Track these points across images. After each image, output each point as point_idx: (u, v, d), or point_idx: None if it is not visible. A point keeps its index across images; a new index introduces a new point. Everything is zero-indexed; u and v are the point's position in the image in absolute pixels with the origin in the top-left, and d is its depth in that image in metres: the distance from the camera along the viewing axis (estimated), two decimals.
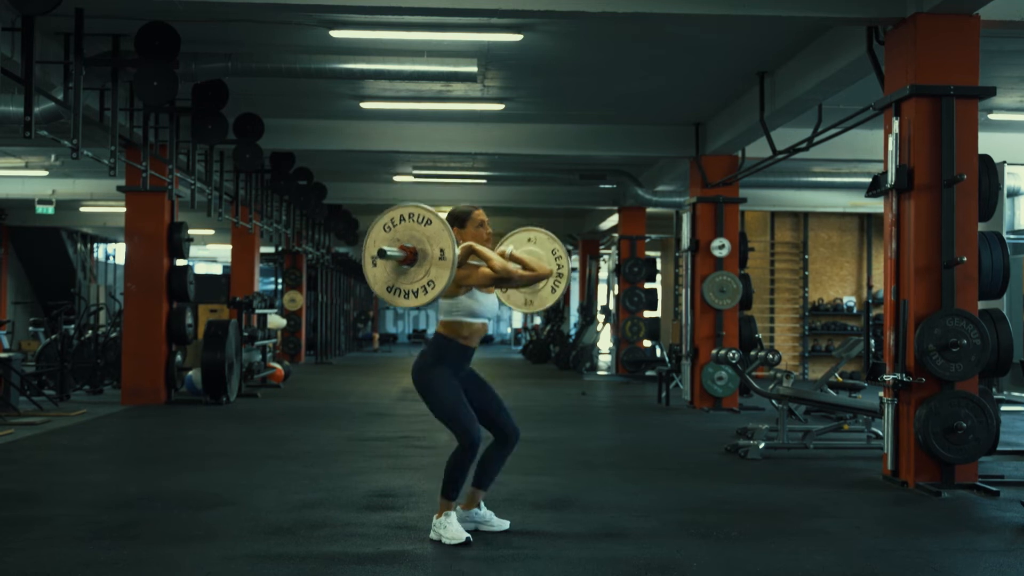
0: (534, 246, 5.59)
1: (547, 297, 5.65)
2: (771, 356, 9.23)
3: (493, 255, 5.04)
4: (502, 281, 5.05)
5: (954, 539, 5.46)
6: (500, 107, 11.94)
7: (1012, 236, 12.15)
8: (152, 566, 4.66)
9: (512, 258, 5.25)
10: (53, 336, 13.47)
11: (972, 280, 6.92)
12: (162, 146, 11.09)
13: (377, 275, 4.80)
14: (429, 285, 4.71)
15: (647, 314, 18.67)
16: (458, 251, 4.73)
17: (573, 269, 27.71)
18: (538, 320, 30.29)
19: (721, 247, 12.36)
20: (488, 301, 5.14)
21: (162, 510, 5.87)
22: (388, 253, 4.67)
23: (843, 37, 8.38)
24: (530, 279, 5.20)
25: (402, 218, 4.77)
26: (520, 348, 30.51)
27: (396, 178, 17.81)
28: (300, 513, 5.79)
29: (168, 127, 10.60)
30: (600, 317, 20.85)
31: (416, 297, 4.74)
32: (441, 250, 4.68)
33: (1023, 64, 9.65)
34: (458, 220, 5.14)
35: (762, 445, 8.23)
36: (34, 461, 7.77)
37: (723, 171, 12.48)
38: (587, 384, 16.58)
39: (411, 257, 4.73)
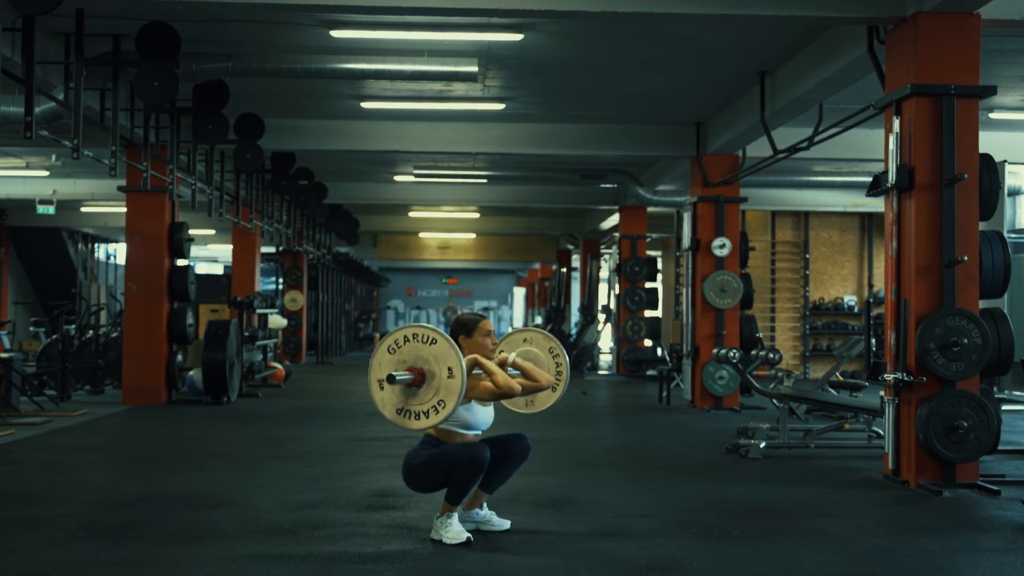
0: (530, 347, 5.58)
1: (548, 397, 5.63)
2: (772, 355, 9.23)
3: (497, 370, 5.00)
4: (504, 396, 5.03)
5: (955, 538, 5.45)
6: (501, 107, 11.94)
7: (1013, 235, 12.13)
8: (153, 566, 4.66)
9: (514, 365, 5.21)
10: (54, 336, 13.48)
11: (973, 279, 6.91)
12: (163, 146, 11.09)
13: (385, 399, 4.76)
14: (440, 405, 4.68)
15: (648, 313, 18.66)
16: (463, 363, 4.70)
17: (574, 269, 27.72)
18: (539, 320, 30.29)
19: (722, 246, 12.35)
20: (484, 414, 5.14)
21: (163, 510, 5.87)
22: (397, 378, 4.65)
23: (843, 36, 8.37)
24: (530, 390, 5.20)
25: (406, 339, 4.74)
26: None
27: (397, 178, 17.81)
28: (301, 513, 5.79)
29: (169, 127, 10.60)
30: (601, 316, 20.86)
31: (427, 418, 4.71)
32: (449, 368, 4.66)
33: (1023, 63, 9.66)
34: (465, 328, 5.14)
35: (763, 444, 8.23)
36: (35, 461, 7.77)
37: (724, 170, 12.47)
38: (588, 383, 16.58)
39: (419, 379, 4.71)
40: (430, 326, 4.76)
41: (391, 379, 4.65)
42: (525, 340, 5.63)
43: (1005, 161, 9.64)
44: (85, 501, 6.13)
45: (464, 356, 4.76)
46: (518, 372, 5.19)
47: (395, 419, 4.77)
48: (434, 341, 4.70)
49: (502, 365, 5.15)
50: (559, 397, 5.64)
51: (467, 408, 5.05)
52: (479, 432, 5.16)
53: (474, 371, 4.96)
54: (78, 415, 10.59)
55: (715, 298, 12.29)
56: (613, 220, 20.65)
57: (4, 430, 9.16)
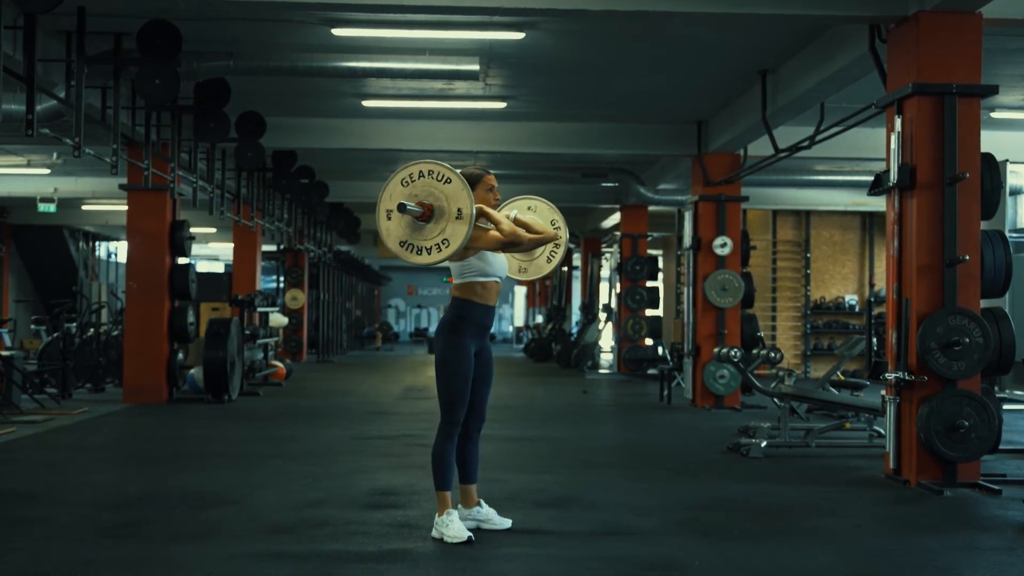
0: (534, 215, 5.58)
1: (543, 266, 5.65)
2: (773, 354, 9.23)
3: (502, 218, 5.04)
4: (509, 245, 5.04)
5: (956, 538, 5.45)
6: (502, 105, 11.94)
7: (1014, 234, 12.12)
8: (153, 565, 4.66)
9: (515, 222, 5.23)
10: (55, 334, 13.48)
11: (974, 278, 6.91)
12: (164, 144, 11.09)
13: (391, 229, 4.77)
14: (444, 243, 4.70)
15: (649, 312, 18.66)
16: (473, 206, 4.71)
17: (575, 267, 27.72)
18: (540, 318, 30.28)
19: (723, 245, 12.35)
20: (497, 260, 5.17)
21: (163, 509, 5.87)
22: (408, 208, 4.65)
23: (845, 35, 8.37)
24: (536, 242, 5.22)
25: (421, 174, 4.74)
26: (522, 346, 30.51)
27: None
28: (302, 512, 5.79)
29: (170, 125, 10.59)
30: (602, 315, 20.85)
31: (429, 254, 4.72)
32: (459, 209, 4.67)
33: None
34: (468, 181, 5.10)
35: (764, 444, 8.22)
36: (35, 460, 7.77)
37: (725, 169, 12.47)
38: (589, 382, 16.57)
39: (428, 214, 4.71)
40: (446, 165, 4.75)
41: (402, 208, 4.64)
42: (530, 208, 5.61)
43: (1007, 160, 9.64)
44: (86, 500, 6.13)
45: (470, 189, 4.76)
46: (521, 229, 5.20)
47: (397, 250, 4.78)
48: (448, 180, 4.70)
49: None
50: (553, 268, 5.65)
51: (480, 257, 5.06)
52: (497, 279, 5.16)
53: (480, 221, 4.95)
54: (79, 413, 10.59)
55: (716, 297, 12.29)
56: (614, 219, 20.65)
57: (5, 428, 9.17)
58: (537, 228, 5.24)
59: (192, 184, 11.74)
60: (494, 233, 4.99)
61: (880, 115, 7.73)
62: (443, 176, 4.72)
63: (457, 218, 4.67)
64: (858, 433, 8.87)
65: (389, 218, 4.76)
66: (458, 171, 4.97)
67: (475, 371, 5.20)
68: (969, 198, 6.90)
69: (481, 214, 4.95)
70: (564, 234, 5.61)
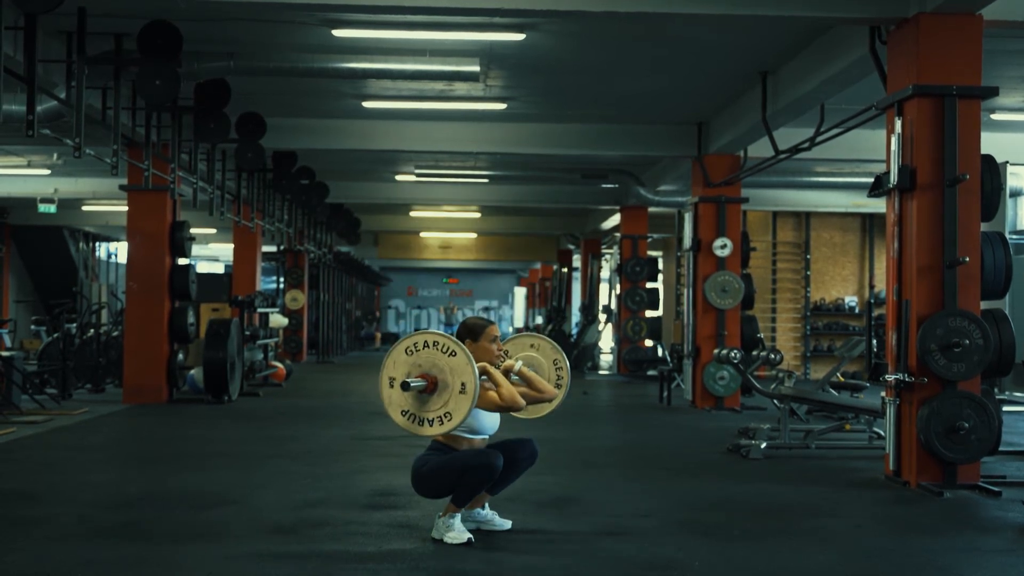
0: (536, 353, 5.58)
1: (544, 408, 5.60)
2: (773, 356, 9.23)
3: (504, 382, 5.00)
4: (507, 409, 5.04)
5: (956, 539, 5.45)
6: (502, 106, 11.94)
7: (1014, 236, 12.14)
8: (154, 565, 4.66)
9: (519, 374, 5.20)
10: (55, 335, 13.48)
11: (974, 280, 6.91)
12: (164, 145, 11.09)
13: (393, 397, 4.77)
14: (446, 416, 4.70)
15: (649, 313, 18.66)
16: (477, 381, 4.69)
17: (575, 269, 27.72)
18: (539, 319, 30.28)
19: (723, 247, 12.35)
20: (490, 419, 5.14)
21: (164, 509, 5.87)
22: (411, 385, 4.66)
23: (845, 37, 8.37)
24: (533, 401, 5.22)
25: (426, 344, 4.74)
26: None
27: (398, 177, 17.81)
28: (302, 512, 5.79)
29: (170, 126, 10.60)
30: (602, 316, 20.86)
31: (431, 426, 4.73)
32: (463, 384, 4.67)
33: None
34: (471, 333, 5.13)
35: (764, 445, 8.23)
36: (36, 460, 7.77)
37: (725, 171, 12.47)
38: (589, 383, 16.58)
39: (431, 387, 4.71)
40: (452, 337, 4.76)
41: (405, 387, 4.66)
42: (532, 346, 5.62)
43: (1007, 162, 9.66)
44: (86, 500, 6.13)
45: (474, 361, 4.75)
46: (521, 381, 5.19)
47: (399, 420, 4.78)
48: (453, 353, 4.70)
49: (506, 372, 5.14)
50: (554, 408, 5.63)
51: (473, 415, 5.01)
52: (485, 437, 5.16)
53: (481, 378, 4.95)
54: (79, 414, 10.59)
55: (716, 298, 12.29)
56: (614, 220, 20.65)
57: (5, 428, 9.17)
58: (538, 386, 5.21)
59: (192, 185, 11.74)
60: (493, 395, 4.98)
61: (880, 116, 7.73)
62: (448, 348, 4.71)
63: (461, 392, 4.68)
64: (858, 434, 8.87)
65: (392, 386, 4.76)
66: (464, 321, 5.03)
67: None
68: (969, 200, 6.90)
69: (483, 372, 4.94)
70: (566, 374, 5.59)
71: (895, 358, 7.03)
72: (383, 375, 4.78)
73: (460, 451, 5.06)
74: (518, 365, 5.25)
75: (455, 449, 5.09)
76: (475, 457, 4.98)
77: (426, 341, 4.75)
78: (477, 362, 4.91)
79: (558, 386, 5.57)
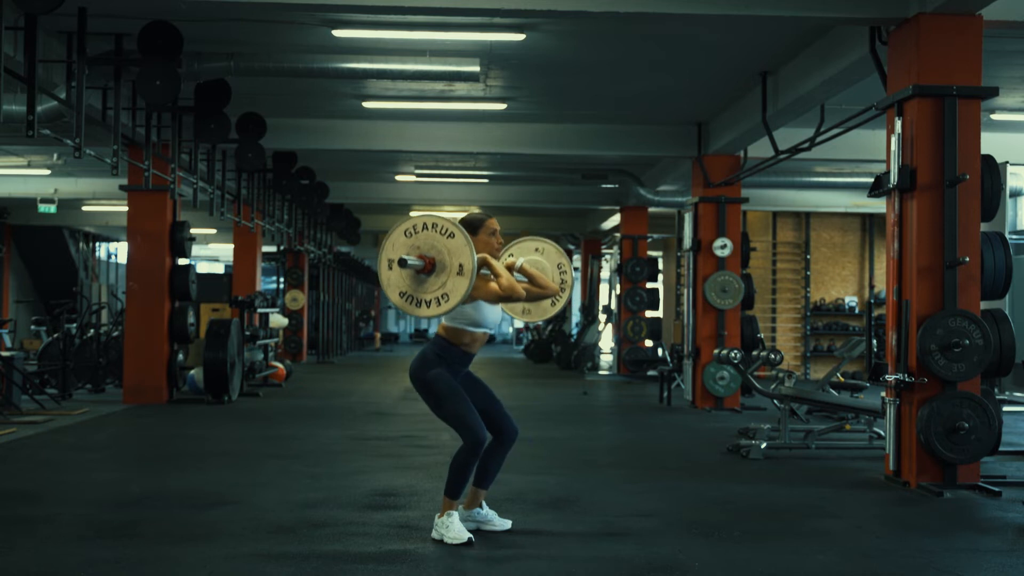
0: (541, 256, 5.58)
1: (547, 309, 5.64)
2: (773, 356, 9.22)
3: (503, 271, 5.02)
4: (508, 299, 5.05)
5: (956, 539, 5.45)
6: (502, 107, 11.94)
7: (1014, 236, 12.15)
8: (154, 565, 4.66)
9: (521, 270, 5.23)
10: (55, 335, 13.48)
11: (974, 280, 6.91)
12: (164, 145, 11.09)
13: (392, 279, 4.78)
14: (443, 297, 4.71)
15: (649, 314, 18.66)
16: (475, 262, 4.71)
17: (576, 268, 27.72)
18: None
19: (723, 247, 12.36)
20: (491, 312, 5.14)
21: (164, 509, 5.87)
22: (409, 263, 4.66)
23: (846, 37, 8.37)
24: (535, 296, 5.23)
25: (425, 226, 4.75)
26: (522, 348, 30.51)
27: (398, 177, 17.81)
28: (302, 512, 5.79)
29: (170, 126, 10.60)
30: (602, 317, 20.86)
31: (428, 307, 4.73)
32: (460, 265, 4.68)
33: None
34: (471, 227, 5.11)
35: (764, 445, 8.23)
36: (36, 460, 7.77)
37: (725, 171, 12.47)
38: (589, 384, 16.58)
39: (429, 267, 4.72)
40: (450, 219, 4.75)
41: (403, 263, 4.67)
42: (537, 249, 5.61)
43: (1007, 162, 9.65)
44: (86, 500, 6.13)
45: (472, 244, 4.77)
46: (524, 278, 5.21)
47: (397, 301, 4.80)
48: (452, 235, 4.71)
49: (509, 269, 5.17)
50: (558, 310, 5.65)
51: (475, 307, 5.05)
52: (487, 330, 5.16)
53: (481, 270, 4.95)
54: (79, 414, 10.60)
55: (716, 298, 12.29)
56: (614, 220, 20.65)
57: (5, 428, 9.17)
58: (540, 282, 5.23)
59: (192, 185, 11.74)
60: (493, 285, 4.98)
61: (880, 117, 7.73)
62: (446, 230, 4.72)
63: (458, 273, 4.68)
64: (858, 435, 8.87)
65: (390, 268, 4.77)
66: (462, 218, 5.00)
67: (473, 392, 5.18)
68: (969, 200, 6.91)
69: (483, 264, 4.95)
70: (569, 278, 5.61)
71: (895, 358, 7.03)
72: (382, 258, 4.79)
73: (462, 401, 5.03)
74: (520, 262, 5.29)
75: (456, 344, 5.08)
76: (467, 423, 5.00)
77: (425, 223, 4.76)
78: (478, 254, 4.92)
79: (561, 288, 5.55)
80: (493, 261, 5.02)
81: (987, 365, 6.81)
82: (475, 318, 5.07)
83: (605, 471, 7.54)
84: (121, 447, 8.82)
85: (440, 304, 4.72)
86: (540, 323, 29.09)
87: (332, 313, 23.86)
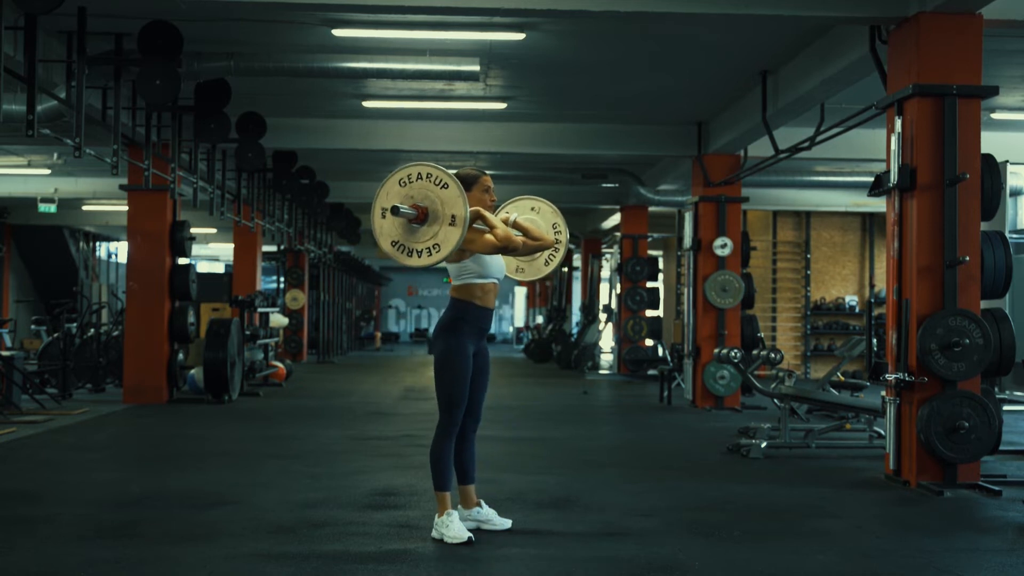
0: (536, 215, 5.58)
1: (541, 268, 5.67)
2: (773, 355, 9.22)
3: (498, 223, 5.03)
4: (504, 249, 5.05)
5: (956, 539, 5.45)
6: (502, 106, 11.94)
7: (1015, 236, 12.13)
8: (154, 565, 4.66)
9: (515, 225, 5.25)
10: (55, 334, 13.48)
11: (975, 280, 6.91)
12: (164, 145, 11.09)
13: (384, 227, 4.78)
14: (435, 248, 4.71)
15: (649, 313, 18.66)
16: (467, 213, 4.72)
17: (576, 268, 27.72)
18: (540, 319, 30.28)
19: (723, 246, 12.35)
20: (494, 262, 5.17)
21: (164, 509, 5.87)
22: (402, 210, 4.66)
23: (846, 36, 8.37)
24: (531, 248, 5.26)
25: (419, 176, 4.75)
26: (522, 347, 30.52)
27: None
28: (302, 512, 5.79)
29: (170, 126, 10.60)
30: (602, 316, 20.85)
31: (419, 257, 4.73)
32: (453, 215, 4.68)
33: None
34: (464, 183, 5.08)
35: (764, 444, 8.23)
36: (36, 459, 7.77)
37: (725, 170, 12.47)
38: (589, 383, 16.58)
39: (422, 216, 4.72)
40: (445, 170, 4.76)
41: (395, 211, 4.67)
42: (533, 208, 5.62)
43: (1007, 161, 9.65)
44: (86, 500, 6.13)
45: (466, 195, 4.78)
46: (519, 234, 5.22)
47: (388, 249, 4.80)
48: (446, 185, 4.71)
49: (504, 223, 5.18)
50: (552, 270, 5.67)
51: (476, 260, 5.07)
52: (494, 280, 5.17)
53: (476, 223, 4.96)
54: (79, 414, 10.60)
55: (716, 298, 12.29)
56: (614, 220, 20.65)
57: (5, 428, 9.17)
58: (535, 234, 5.26)
59: (192, 184, 11.74)
60: (489, 237, 4.99)
61: (880, 116, 7.73)
62: (440, 180, 4.73)
63: (450, 224, 4.68)
64: (858, 434, 8.87)
65: (384, 216, 4.77)
66: (455, 173, 4.97)
67: (477, 366, 5.22)
68: (969, 199, 6.90)
69: (477, 217, 4.95)
70: (564, 237, 5.61)
71: (895, 358, 7.03)
72: (375, 206, 4.79)
73: (464, 387, 5.08)
74: (514, 217, 5.31)
75: (470, 300, 5.11)
76: (453, 412, 5.08)
77: (419, 173, 4.75)
78: (472, 208, 4.92)
79: (556, 248, 5.56)
80: (487, 214, 5.03)
81: (987, 364, 6.81)
82: (479, 270, 5.10)
83: (605, 471, 7.54)
84: (121, 447, 8.82)
85: (431, 254, 4.72)
86: (541, 322, 29.09)
87: (332, 313, 23.87)
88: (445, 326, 5.16)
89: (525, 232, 5.23)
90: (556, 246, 5.55)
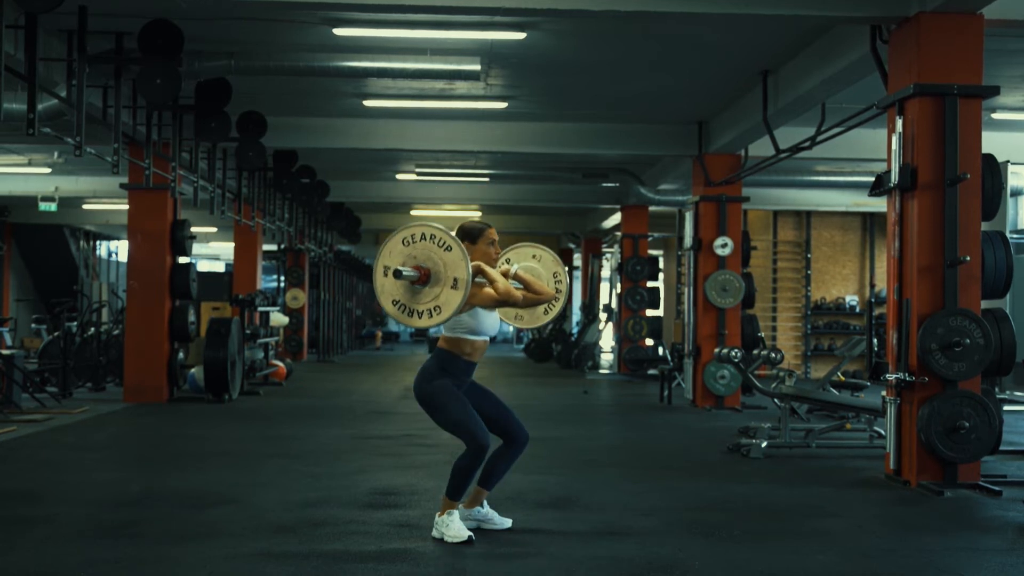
0: (537, 264, 5.58)
1: (540, 316, 5.65)
2: (773, 355, 9.22)
3: (498, 277, 5.01)
4: (504, 304, 5.04)
5: (956, 538, 5.45)
6: (503, 105, 11.94)
7: (1015, 235, 12.14)
8: (154, 564, 4.66)
9: (516, 277, 5.23)
10: (56, 333, 13.49)
11: (975, 279, 6.91)
12: (165, 144, 11.09)
13: (386, 286, 4.77)
14: (436, 310, 4.70)
15: (649, 313, 18.66)
16: (470, 277, 4.70)
17: (576, 268, 27.71)
18: None
19: (724, 246, 12.35)
20: (489, 319, 5.14)
21: (164, 508, 5.87)
22: (404, 274, 4.65)
23: (846, 36, 8.37)
24: (531, 302, 5.22)
25: (423, 236, 4.73)
26: (522, 346, 30.51)
27: (399, 176, 17.81)
28: (302, 511, 5.79)
29: (171, 125, 10.60)
30: (602, 316, 20.85)
31: (421, 318, 4.72)
32: (455, 278, 4.66)
33: None
34: (469, 235, 5.12)
35: (764, 444, 8.23)
36: (36, 459, 7.77)
37: (726, 170, 12.47)
38: (589, 383, 16.57)
39: (424, 278, 4.71)
40: (448, 231, 4.76)
41: (398, 274, 4.66)
42: (534, 256, 5.61)
43: (1008, 161, 9.66)
44: (87, 499, 6.13)
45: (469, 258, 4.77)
46: (519, 285, 5.21)
47: (390, 310, 4.79)
48: (449, 248, 4.69)
49: (504, 276, 5.17)
50: (552, 318, 5.66)
51: (472, 315, 5.04)
52: (486, 338, 5.16)
53: (476, 278, 4.95)
54: (79, 413, 10.60)
55: (717, 297, 12.29)
56: (615, 219, 20.65)
57: (6, 427, 9.17)
58: (535, 287, 5.23)
59: (193, 183, 11.74)
60: (489, 291, 4.98)
61: (881, 116, 7.73)
62: (444, 242, 4.71)
63: (452, 287, 4.67)
64: (858, 434, 8.87)
65: (386, 275, 4.76)
66: (461, 224, 4.99)
67: (481, 401, 5.19)
68: (970, 199, 6.90)
69: (478, 271, 4.95)
70: (565, 287, 5.60)
71: (896, 357, 7.03)
72: (378, 264, 4.78)
73: (463, 406, 5.04)
74: (514, 269, 5.30)
75: (458, 354, 5.09)
76: (471, 430, 4.99)
77: (423, 233, 4.74)
78: (474, 262, 4.92)
79: (556, 298, 5.55)
80: (488, 268, 5.01)
81: (988, 364, 6.81)
82: (473, 326, 5.07)
83: (605, 470, 7.54)
84: (121, 446, 8.82)
85: (432, 316, 4.71)
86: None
87: (332, 312, 23.87)
88: (427, 373, 5.12)
89: (526, 285, 5.22)
90: (556, 296, 5.54)
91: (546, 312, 5.63)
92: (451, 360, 5.09)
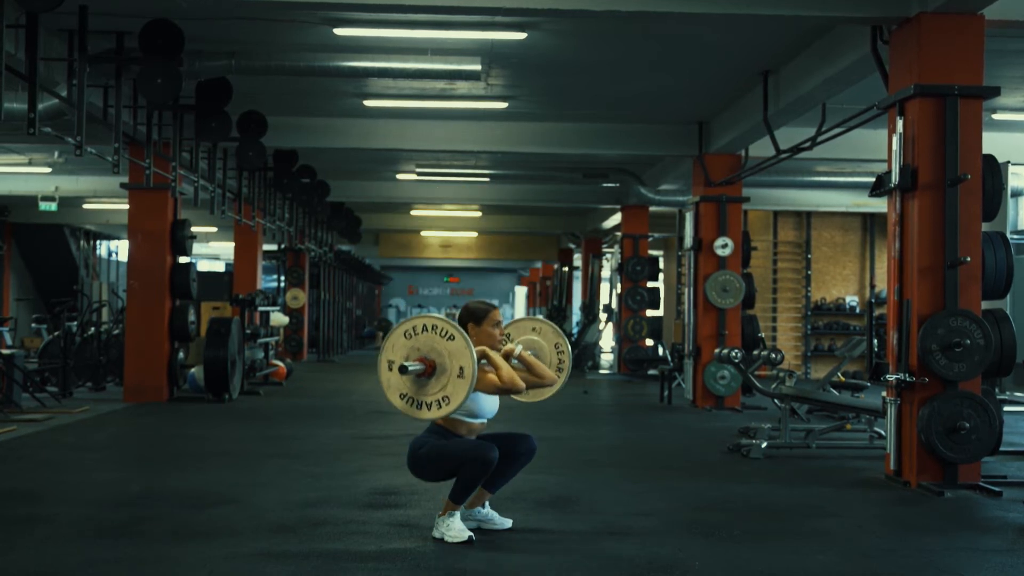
0: (538, 336, 5.57)
1: (544, 393, 5.58)
2: (774, 355, 9.22)
3: (503, 365, 5.00)
4: (506, 392, 5.04)
5: (957, 539, 5.45)
6: (503, 105, 11.94)
7: (1016, 236, 12.14)
8: (154, 564, 4.66)
9: (520, 358, 5.20)
10: (56, 333, 13.48)
11: (975, 280, 6.91)
12: (165, 143, 11.09)
13: (392, 380, 4.76)
14: (444, 400, 4.69)
15: (649, 313, 18.66)
16: (475, 365, 4.68)
17: (576, 268, 27.71)
18: (540, 318, 30.25)
19: (724, 246, 12.35)
20: (489, 402, 5.13)
21: (164, 508, 5.87)
22: (409, 368, 4.64)
23: (847, 36, 8.37)
24: (533, 385, 5.21)
25: (424, 328, 4.72)
26: None
27: (399, 176, 17.81)
28: (302, 511, 5.79)
29: (172, 124, 10.60)
30: (602, 316, 20.85)
31: (429, 410, 4.72)
32: (461, 368, 4.65)
33: None
34: (474, 317, 5.11)
35: (764, 444, 8.22)
36: (37, 459, 7.77)
37: (726, 170, 12.47)
38: (589, 383, 16.57)
39: (429, 370, 4.70)
40: (451, 321, 4.75)
41: (403, 370, 4.65)
42: (534, 329, 5.61)
43: (1008, 162, 9.65)
44: (87, 499, 6.13)
45: (472, 345, 4.75)
46: (522, 366, 5.20)
47: (397, 403, 4.78)
48: (452, 337, 4.69)
49: (507, 356, 5.15)
50: (555, 391, 5.62)
51: (472, 398, 5.02)
52: (484, 420, 5.15)
53: (481, 362, 4.95)
54: (80, 412, 10.60)
55: (717, 298, 12.29)
56: (615, 219, 20.64)
57: (6, 427, 9.17)
58: (538, 371, 5.21)
59: (193, 183, 11.74)
60: (493, 377, 4.97)
61: (882, 116, 7.72)
62: (446, 332, 4.70)
63: (459, 376, 4.66)
64: (859, 434, 8.87)
65: (390, 369, 4.75)
66: (467, 306, 5.00)
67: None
68: (970, 199, 6.90)
69: (482, 356, 4.95)
70: (567, 359, 5.57)
71: (896, 358, 7.03)
72: (382, 358, 4.78)
73: (457, 440, 5.04)
74: (518, 349, 5.26)
75: (454, 432, 5.08)
76: (471, 451, 4.96)
77: (425, 325, 4.74)
78: (478, 346, 4.92)
79: (559, 370, 5.54)
80: (493, 354, 5.01)
81: (988, 365, 6.81)
82: (472, 409, 5.06)
83: (605, 470, 7.54)
84: (121, 446, 8.82)
85: (441, 407, 4.70)
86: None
87: (333, 312, 23.87)
88: (419, 441, 5.08)
89: (529, 368, 5.20)
90: (559, 369, 5.53)
91: (550, 386, 5.58)
92: (445, 437, 5.08)
